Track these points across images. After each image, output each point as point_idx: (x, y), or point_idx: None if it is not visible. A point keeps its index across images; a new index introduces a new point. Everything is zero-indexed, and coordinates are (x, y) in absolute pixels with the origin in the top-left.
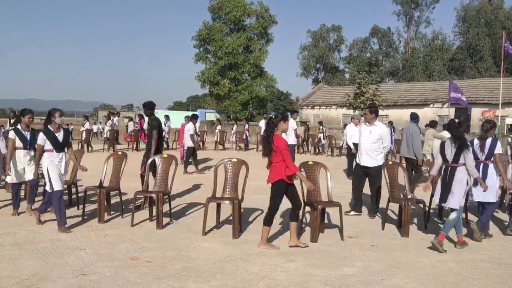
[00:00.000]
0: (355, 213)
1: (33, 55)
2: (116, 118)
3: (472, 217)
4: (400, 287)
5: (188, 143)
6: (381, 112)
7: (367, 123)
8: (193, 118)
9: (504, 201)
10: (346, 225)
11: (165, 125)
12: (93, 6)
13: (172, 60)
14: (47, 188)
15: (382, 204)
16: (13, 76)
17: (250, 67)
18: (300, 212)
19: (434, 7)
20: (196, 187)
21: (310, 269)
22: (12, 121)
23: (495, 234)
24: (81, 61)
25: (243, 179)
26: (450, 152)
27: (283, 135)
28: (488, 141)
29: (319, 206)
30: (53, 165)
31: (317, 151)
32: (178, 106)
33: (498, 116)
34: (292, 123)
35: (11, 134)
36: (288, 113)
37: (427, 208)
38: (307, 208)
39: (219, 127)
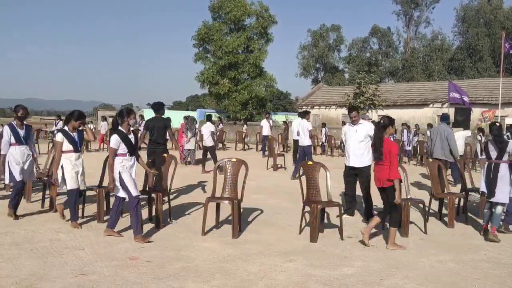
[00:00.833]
0: (347, 216)
1: (33, 55)
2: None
3: (473, 217)
4: (399, 287)
5: (209, 142)
6: (380, 112)
7: (352, 124)
8: (210, 119)
9: None
10: (346, 225)
11: (139, 125)
12: (94, 6)
13: (172, 60)
14: (122, 195)
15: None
16: (13, 76)
17: (249, 67)
18: (300, 212)
19: (434, 7)
20: (196, 186)
21: (310, 269)
22: (58, 122)
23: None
24: (81, 61)
25: (242, 179)
26: (493, 151)
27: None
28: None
29: (319, 206)
30: (126, 171)
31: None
32: (177, 106)
33: (497, 116)
34: (307, 124)
35: (59, 137)
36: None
37: (426, 208)
38: (307, 208)
39: (220, 126)
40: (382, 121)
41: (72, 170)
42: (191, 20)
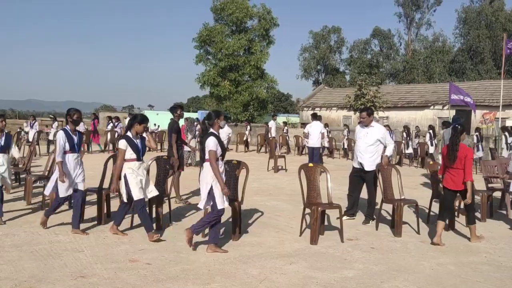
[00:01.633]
0: (348, 217)
1: (33, 55)
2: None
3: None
4: None
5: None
6: (381, 113)
7: (364, 125)
8: (228, 119)
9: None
10: (346, 227)
11: (115, 126)
12: (94, 6)
13: (173, 61)
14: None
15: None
16: (13, 77)
17: (250, 69)
18: (300, 214)
19: (435, 10)
20: (196, 188)
21: (310, 272)
22: (33, 123)
23: (495, 237)
24: (82, 62)
25: (243, 181)
26: None
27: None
28: None
29: (319, 208)
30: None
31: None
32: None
33: (498, 118)
34: (320, 126)
35: (122, 144)
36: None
37: (426, 210)
38: (307, 210)
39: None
40: (459, 127)
41: (136, 178)
42: (193, 21)
